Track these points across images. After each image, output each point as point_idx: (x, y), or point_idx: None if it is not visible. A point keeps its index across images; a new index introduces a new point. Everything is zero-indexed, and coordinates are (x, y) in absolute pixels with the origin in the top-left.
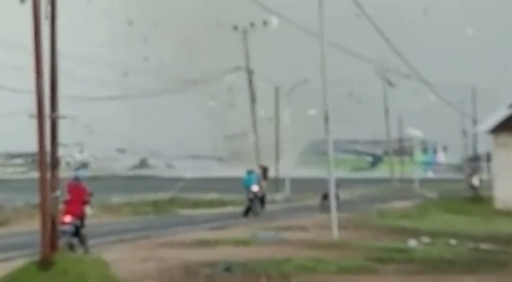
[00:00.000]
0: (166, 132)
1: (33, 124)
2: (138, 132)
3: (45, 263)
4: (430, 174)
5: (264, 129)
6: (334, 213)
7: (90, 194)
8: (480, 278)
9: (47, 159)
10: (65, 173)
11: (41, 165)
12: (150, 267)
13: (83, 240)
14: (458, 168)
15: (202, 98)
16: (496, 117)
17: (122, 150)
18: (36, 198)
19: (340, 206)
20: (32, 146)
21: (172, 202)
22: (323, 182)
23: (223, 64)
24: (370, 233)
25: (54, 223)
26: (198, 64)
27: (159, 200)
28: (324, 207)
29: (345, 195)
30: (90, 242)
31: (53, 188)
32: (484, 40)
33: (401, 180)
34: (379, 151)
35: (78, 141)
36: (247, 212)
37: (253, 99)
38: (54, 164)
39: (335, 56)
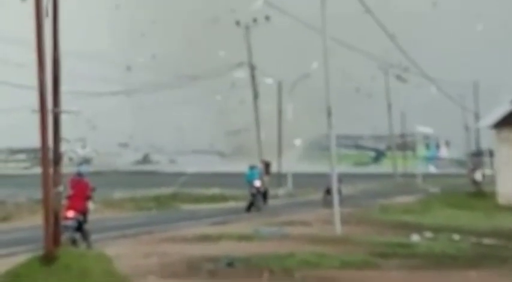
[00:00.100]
0: (168, 127)
1: (36, 119)
2: (140, 127)
3: (48, 258)
4: (433, 169)
5: (266, 124)
6: (336, 208)
7: (93, 189)
8: (483, 273)
9: (49, 155)
10: (67, 169)
11: (44, 161)
12: (153, 262)
13: (85, 236)
14: (460, 163)
15: (205, 94)
16: (499, 112)
17: (123, 145)
18: (38, 194)
19: (343, 201)
20: (35, 141)
21: (174, 197)
22: (325, 177)
23: (225, 60)
24: (373, 228)
25: (57, 218)
26: (200, 59)
27: (162, 195)
28: (327, 202)
29: (347, 190)
30: (93, 237)
31: (56, 184)
32: (487, 37)
33: (404, 175)
34: (381, 146)
35: (80, 137)
36: (249, 207)
37: (256, 94)
38: (57, 159)
39: (340, 52)
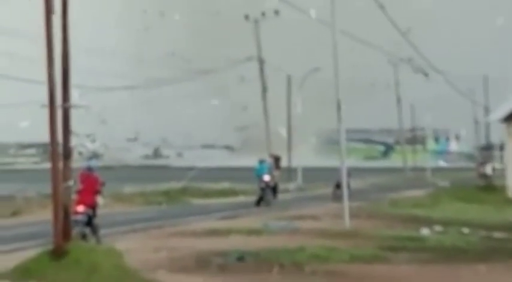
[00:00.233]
0: (178, 121)
1: (45, 114)
2: (149, 122)
3: (57, 253)
4: (442, 163)
5: (276, 118)
6: (346, 202)
7: (103, 184)
8: (492, 266)
9: (59, 149)
10: (77, 163)
11: (53, 155)
12: (163, 257)
13: (95, 230)
14: (470, 157)
15: (214, 88)
16: (508, 106)
17: (133, 139)
18: (48, 188)
19: (352, 195)
20: (45, 136)
21: (184, 192)
22: (335, 171)
23: (234, 54)
24: (383, 221)
25: (66, 213)
26: (209, 54)
27: (171, 190)
28: (336, 197)
29: (357, 184)
30: (103, 232)
31: (66, 178)
32: (498, 30)
33: (414, 169)
34: (391, 140)
35: (90, 132)
36: (259, 202)
37: (264, 88)
38: (67, 154)
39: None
